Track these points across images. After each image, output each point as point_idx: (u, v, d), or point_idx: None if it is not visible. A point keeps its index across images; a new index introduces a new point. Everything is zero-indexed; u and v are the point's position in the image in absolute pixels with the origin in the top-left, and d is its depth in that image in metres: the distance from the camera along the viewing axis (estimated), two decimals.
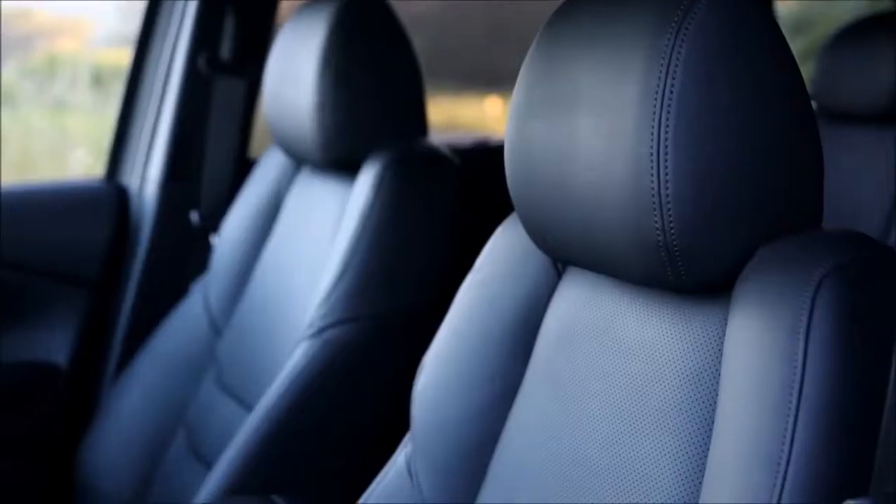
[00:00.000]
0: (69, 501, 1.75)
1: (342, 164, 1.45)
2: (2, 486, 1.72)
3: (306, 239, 1.51)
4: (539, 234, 0.92)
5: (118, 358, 1.77)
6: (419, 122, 1.48)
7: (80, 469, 1.70)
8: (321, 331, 1.37)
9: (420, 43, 1.52)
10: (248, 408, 1.43)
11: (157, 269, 1.80)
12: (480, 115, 2.98)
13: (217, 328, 1.63)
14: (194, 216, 1.83)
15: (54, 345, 1.77)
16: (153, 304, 1.77)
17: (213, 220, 1.81)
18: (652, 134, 0.76)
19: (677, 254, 0.78)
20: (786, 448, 0.70)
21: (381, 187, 1.39)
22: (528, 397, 0.96)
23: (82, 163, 2.73)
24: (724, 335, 0.80)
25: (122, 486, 1.60)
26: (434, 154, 1.44)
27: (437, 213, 1.44)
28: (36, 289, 1.77)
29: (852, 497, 0.68)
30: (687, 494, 0.78)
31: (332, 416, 1.38)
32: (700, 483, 0.77)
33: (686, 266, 0.78)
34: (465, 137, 2.29)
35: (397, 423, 1.13)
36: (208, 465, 1.44)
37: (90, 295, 1.79)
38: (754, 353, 0.74)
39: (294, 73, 1.44)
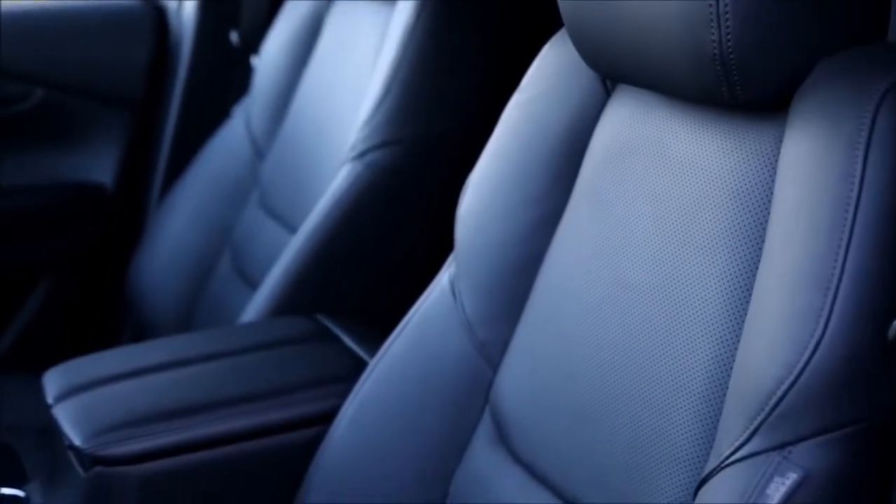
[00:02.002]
0: (117, 321, 1.79)
1: None
2: (51, 307, 1.76)
3: (348, 61, 1.49)
4: (588, 50, 0.89)
5: (163, 180, 1.78)
6: None
7: (128, 289, 1.74)
8: (363, 153, 1.36)
9: None
10: (292, 230, 1.44)
11: (198, 91, 1.79)
12: None
13: (259, 151, 1.62)
14: (234, 36, 1.80)
15: (100, 166, 1.78)
16: (196, 126, 1.76)
17: (253, 41, 1.78)
18: None
19: (733, 68, 0.75)
20: (837, 268, 0.69)
21: (423, 8, 1.35)
22: (572, 219, 0.95)
23: None
24: (778, 153, 0.77)
25: (169, 305, 1.63)
26: None
27: (480, 34, 1.41)
28: (79, 110, 1.77)
29: None
30: (734, 315, 0.77)
31: (376, 238, 1.39)
32: (748, 303, 0.76)
33: (742, 81, 0.75)
34: None
35: (441, 245, 1.13)
36: (253, 285, 1.46)
37: (133, 116, 1.79)
38: (810, 170, 0.72)
39: None
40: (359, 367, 1.12)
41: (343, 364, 1.20)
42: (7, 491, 1.11)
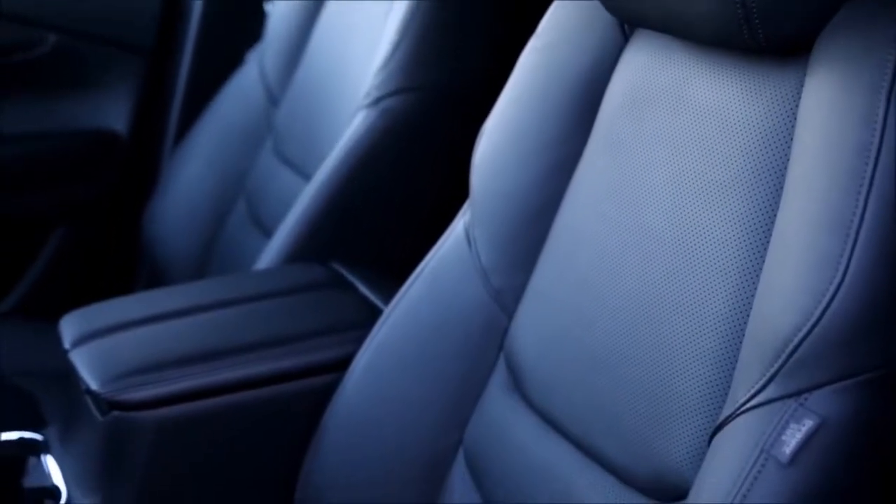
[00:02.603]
0: (133, 269, 1.80)
1: None
2: (67, 254, 1.77)
3: (362, 7, 1.47)
4: None
5: (177, 126, 1.78)
6: None
7: (143, 236, 1.74)
8: (378, 100, 1.35)
9: None
10: (307, 177, 1.44)
11: (211, 37, 1.77)
12: None
13: (273, 97, 1.61)
14: None
15: (114, 113, 1.78)
16: (209, 72, 1.75)
17: None
18: None
19: (754, 9, 0.74)
20: (857, 214, 0.68)
21: None
22: (589, 165, 0.94)
23: None
24: (799, 98, 0.76)
25: (184, 253, 1.63)
26: None
27: None
28: (92, 56, 1.76)
29: None
30: (752, 261, 0.77)
31: (391, 185, 1.38)
32: (766, 249, 0.76)
33: (763, 23, 0.74)
34: None
35: (456, 192, 1.12)
36: (268, 233, 1.46)
37: (147, 63, 1.78)
38: (831, 114, 0.71)
39: None
40: (373, 314, 1.12)
41: (358, 311, 1.20)
42: (26, 435, 1.12)
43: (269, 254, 1.38)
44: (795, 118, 0.76)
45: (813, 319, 0.68)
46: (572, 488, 0.86)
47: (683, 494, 0.76)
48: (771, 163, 0.77)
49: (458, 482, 0.99)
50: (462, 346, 1.01)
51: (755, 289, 0.76)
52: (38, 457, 1.11)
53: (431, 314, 1.04)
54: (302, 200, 1.38)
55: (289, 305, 1.21)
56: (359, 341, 1.08)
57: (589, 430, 0.86)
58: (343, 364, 1.09)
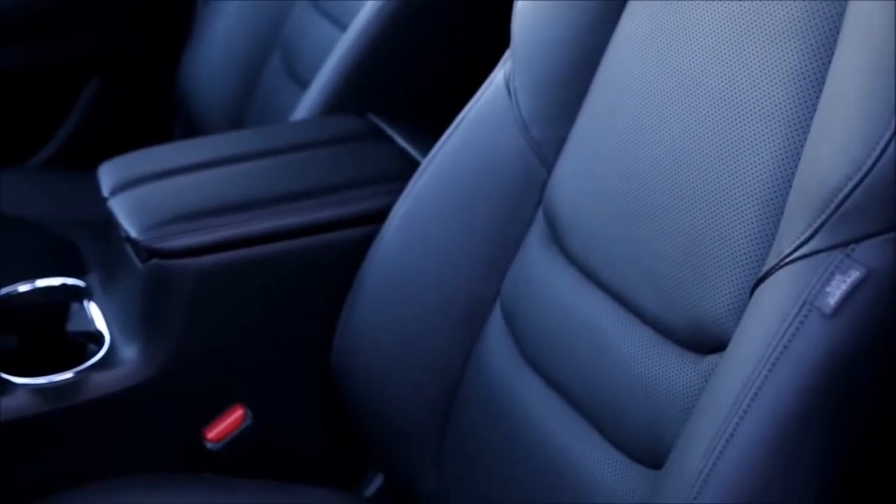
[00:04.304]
0: (169, 121, 1.79)
1: None
2: (103, 105, 1.77)
3: None
4: None
5: None
6: None
7: (179, 89, 1.73)
8: None
9: None
10: (343, 27, 1.41)
11: None
12: None
13: None
14: None
15: None
16: None
17: None
18: None
19: None
20: None
21: None
22: (634, 11, 0.91)
23: None
24: None
25: (219, 106, 1.62)
26: None
27: None
28: None
29: None
30: (802, 109, 0.75)
31: (429, 35, 1.35)
32: (817, 98, 0.74)
33: None
34: None
35: (496, 42, 1.10)
36: (304, 84, 1.44)
37: None
38: None
39: None
40: (411, 166, 1.11)
41: (395, 163, 1.19)
42: (69, 281, 1.13)
43: (306, 105, 1.37)
44: None
45: (864, 169, 0.67)
46: (608, 340, 0.86)
47: (722, 346, 0.76)
48: (827, 8, 0.74)
49: (495, 333, 1.00)
50: (500, 199, 1.00)
51: (804, 139, 0.74)
52: (81, 303, 1.13)
53: (470, 166, 1.03)
54: (338, 51, 1.35)
55: (326, 156, 1.21)
56: (396, 193, 1.08)
57: (628, 282, 0.86)
58: (381, 216, 1.08)
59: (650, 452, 0.80)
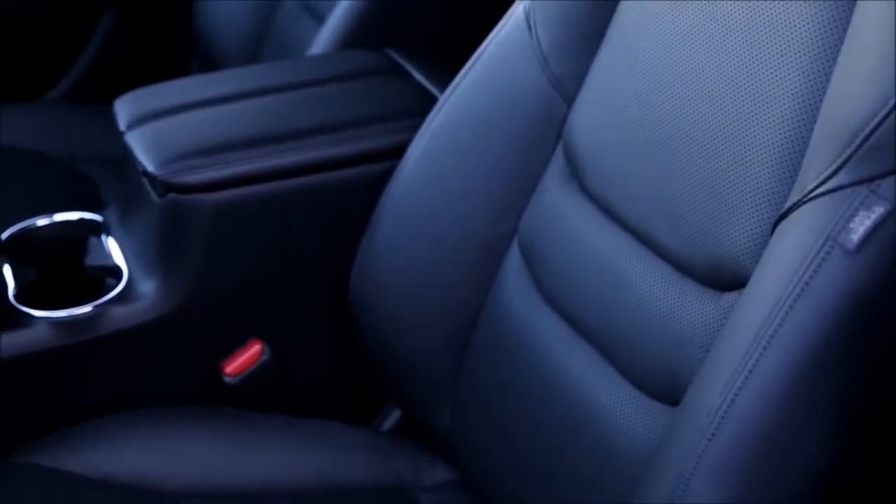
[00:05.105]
0: (185, 56, 1.78)
1: None
2: (119, 38, 1.75)
3: None
4: None
5: None
6: None
7: (195, 23, 1.71)
8: None
9: None
10: None
11: None
12: None
13: None
14: None
15: None
16: None
17: None
18: None
19: None
20: None
21: None
22: None
23: None
24: None
25: (235, 41, 1.61)
26: None
27: None
28: None
29: None
30: (828, 45, 0.73)
31: None
32: (844, 33, 0.73)
33: None
34: None
35: None
36: (321, 19, 1.42)
37: None
38: None
39: None
40: (429, 101, 1.10)
41: (413, 98, 1.18)
42: (86, 215, 1.13)
43: (322, 40, 1.35)
44: None
45: (890, 105, 0.66)
46: (626, 276, 0.86)
47: (741, 283, 0.75)
48: None
49: (512, 270, 0.99)
50: (520, 134, 1.00)
51: (829, 74, 0.73)
52: (99, 237, 1.13)
53: (489, 100, 1.02)
54: None
55: (343, 91, 1.20)
56: (414, 129, 1.07)
57: (646, 218, 0.85)
58: (398, 151, 1.08)
59: (667, 389, 0.80)
